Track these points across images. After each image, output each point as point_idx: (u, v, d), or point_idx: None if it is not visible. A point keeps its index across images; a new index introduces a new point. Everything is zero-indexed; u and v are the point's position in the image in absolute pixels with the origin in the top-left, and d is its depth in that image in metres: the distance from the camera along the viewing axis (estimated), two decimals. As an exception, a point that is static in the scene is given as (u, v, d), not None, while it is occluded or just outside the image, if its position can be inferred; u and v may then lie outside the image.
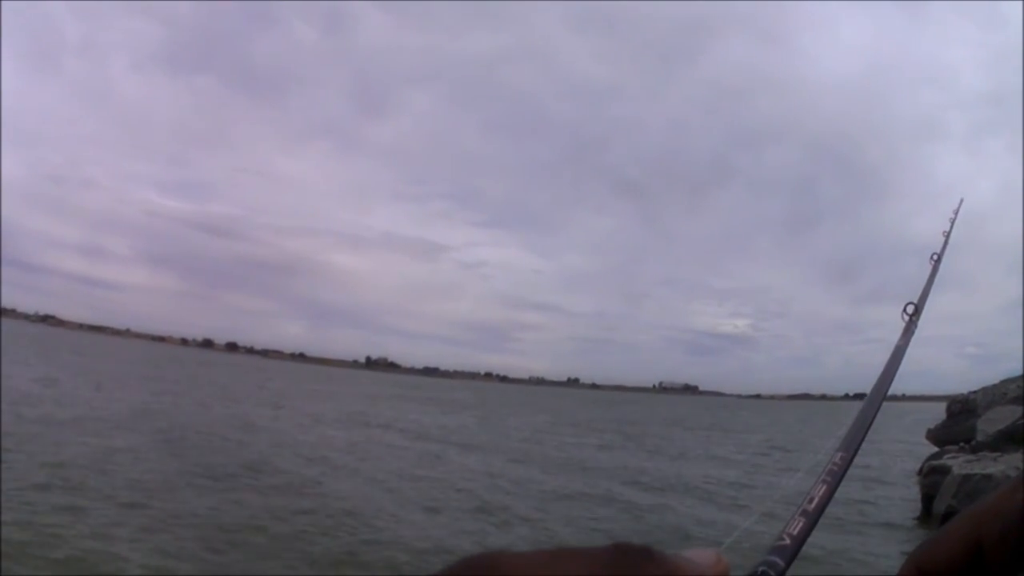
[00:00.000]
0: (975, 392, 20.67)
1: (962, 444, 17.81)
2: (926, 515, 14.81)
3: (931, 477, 15.14)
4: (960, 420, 20.09)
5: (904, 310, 1.41)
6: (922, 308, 1.47)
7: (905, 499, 17.21)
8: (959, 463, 14.59)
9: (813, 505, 0.77)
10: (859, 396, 1.13)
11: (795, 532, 0.70)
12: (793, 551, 0.67)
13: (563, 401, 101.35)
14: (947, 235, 1.91)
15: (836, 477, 0.84)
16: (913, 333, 1.39)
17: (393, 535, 11.24)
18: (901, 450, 29.35)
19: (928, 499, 14.89)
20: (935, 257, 1.75)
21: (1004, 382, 19.25)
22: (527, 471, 20.49)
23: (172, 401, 29.28)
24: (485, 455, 23.79)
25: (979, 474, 13.22)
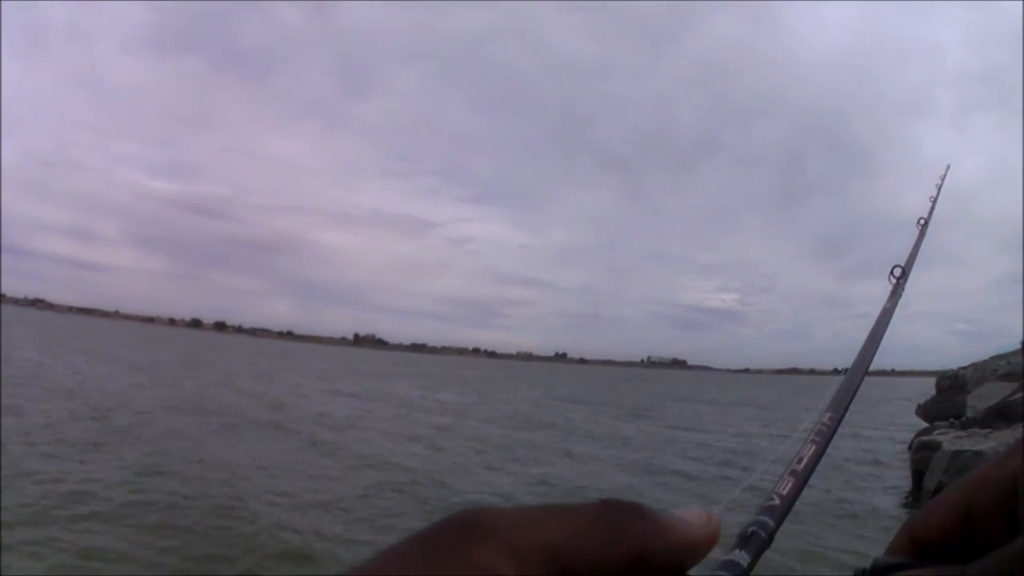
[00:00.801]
0: (965, 368, 20.82)
1: (952, 420, 17.92)
2: (916, 491, 14.90)
3: (921, 453, 15.22)
4: (950, 396, 20.22)
5: (891, 273, 1.41)
6: (909, 271, 1.45)
7: (895, 474, 17.32)
8: (949, 439, 14.69)
9: (802, 465, 0.76)
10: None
11: (784, 492, 0.70)
12: (783, 511, 0.67)
13: (554, 376, 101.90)
14: (934, 200, 1.89)
15: (825, 437, 0.84)
16: (900, 296, 1.38)
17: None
18: (891, 425, 29.59)
19: (918, 475, 14.97)
20: (922, 222, 1.74)
21: (994, 358, 19.40)
22: (535, 437, 21.58)
23: (198, 385, 29.43)
24: (495, 425, 24.68)
25: (969, 450, 13.30)
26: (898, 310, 1.44)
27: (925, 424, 20.27)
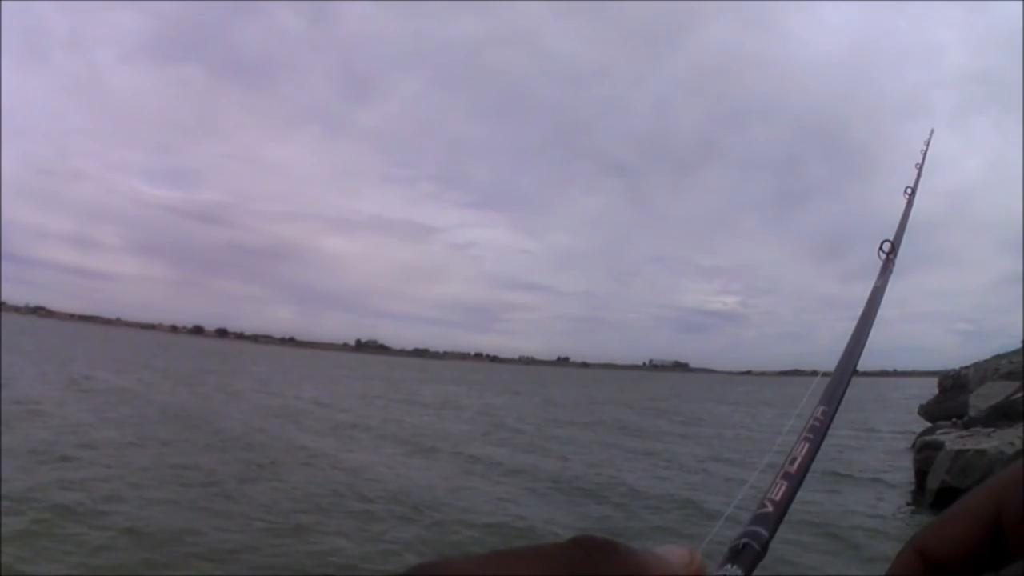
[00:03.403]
0: (967, 368, 20.70)
1: (955, 420, 17.86)
2: (919, 491, 14.85)
3: (924, 453, 15.12)
4: (952, 395, 20.15)
5: (880, 248, 1.34)
6: (898, 245, 1.40)
7: (898, 475, 17.29)
8: (952, 439, 14.63)
9: (796, 466, 0.73)
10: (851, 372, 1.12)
11: (777, 497, 0.67)
12: (777, 518, 0.64)
13: (569, 380, 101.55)
14: (920, 167, 1.86)
15: (819, 434, 0.79)
16: (891, 272, 1.33)
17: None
18: (893, 426, 29.49)
19: (921, 475, 14.88)
20: (909, 191, 1.69)
21: (995, 357, 19.33)
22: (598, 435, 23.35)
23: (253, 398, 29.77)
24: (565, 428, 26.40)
25: (972, 450, 13.27)
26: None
27: (928, 424, 20.20)
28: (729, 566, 0.56)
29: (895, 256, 1.37)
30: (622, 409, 40.15)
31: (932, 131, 2.15)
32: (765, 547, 0.60)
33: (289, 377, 49.43)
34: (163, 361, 53.43)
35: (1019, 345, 19.04)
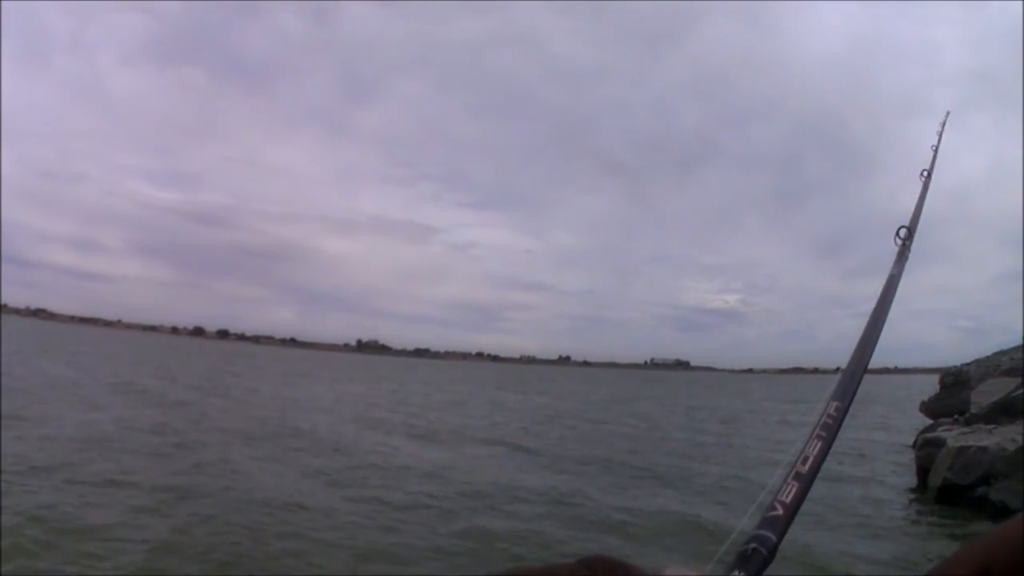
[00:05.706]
0: (968, 364, 20.67)
1: (956, 416, 17.83)
2: (922, 488, 14.85)
3: (926, 450, 15.13)
4: (954, 392, 20.11)
5: (896, 234, 1.31)
6: (915, 230, 1.37)
7: (900, 472, 17.27)
8: (953, 435, 14.63)
9: (808, 466, 0.71)
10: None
11: (788, 499, 0.65)
12: (786, 521, 0.63)
13: (580, 378, 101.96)
14: (935, 149, 1.83)
15: (831, 431, 0.77)
16: (907, 259, 1.30)
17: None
18: (895, 422, 29.47)
19: (923, 472, 14.89)
20: (925, 174, 1.65)
21: (997, 354, 19.29)
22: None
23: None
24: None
25: (974, 446, 13.26)
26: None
27: (929, 421, 20.17)
28: (736, 572, 0.55)
29: (911, 242, 1.33)
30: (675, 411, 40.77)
31: (948, 113, 2.12)
32: (773, 552, 0.59)
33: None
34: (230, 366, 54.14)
35: (1020, 341, 19.01)
